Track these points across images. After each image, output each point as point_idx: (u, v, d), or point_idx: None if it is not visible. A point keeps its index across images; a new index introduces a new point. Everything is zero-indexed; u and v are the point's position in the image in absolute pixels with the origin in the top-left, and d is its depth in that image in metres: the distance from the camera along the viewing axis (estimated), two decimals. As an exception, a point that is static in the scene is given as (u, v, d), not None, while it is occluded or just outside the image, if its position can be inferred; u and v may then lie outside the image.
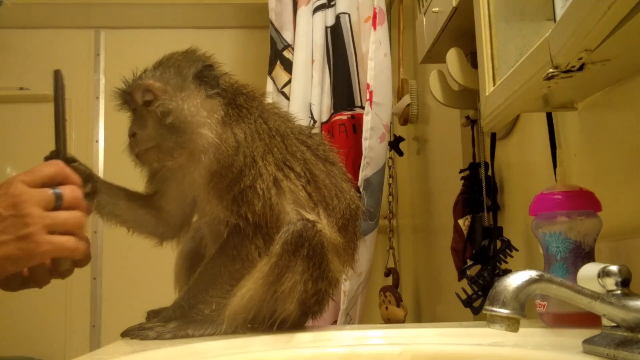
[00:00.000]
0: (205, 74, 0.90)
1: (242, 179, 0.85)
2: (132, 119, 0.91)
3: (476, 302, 1.23)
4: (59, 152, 0.86)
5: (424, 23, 1.43)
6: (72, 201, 0.79)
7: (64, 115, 0.88)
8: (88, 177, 0.91)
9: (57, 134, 0.87)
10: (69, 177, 0.81)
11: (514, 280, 0.52)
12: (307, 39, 1.83)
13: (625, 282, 0.56)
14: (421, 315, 2.03)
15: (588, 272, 0.59)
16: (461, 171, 1.38)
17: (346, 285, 1.58)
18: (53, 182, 0.79)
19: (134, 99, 0.90)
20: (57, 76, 0.89)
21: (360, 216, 0.96)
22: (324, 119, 1.80)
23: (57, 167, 0.81)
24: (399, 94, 2.02)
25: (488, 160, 1.26)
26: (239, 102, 0.91)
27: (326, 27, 1.85)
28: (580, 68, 0.62)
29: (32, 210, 0.75)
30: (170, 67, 0.90)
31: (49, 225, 0.76)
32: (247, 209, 0.85)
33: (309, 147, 0.93)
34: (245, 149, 0.86)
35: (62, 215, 0.78)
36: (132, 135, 0.89)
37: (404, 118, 1.97)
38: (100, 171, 2.38)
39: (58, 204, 0.78)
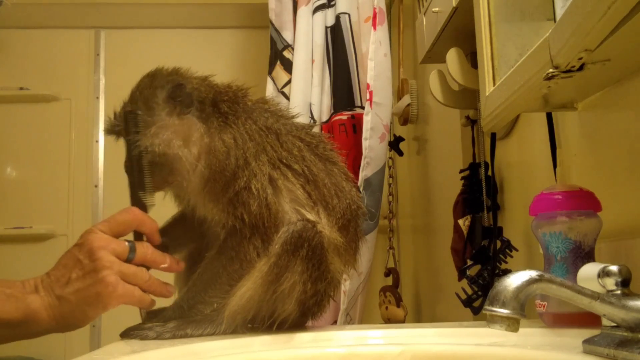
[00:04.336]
0: (177, 94, 0.88)
1: (236, 181, 0.85)
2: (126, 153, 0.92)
3: (476, 302, 1.23)
4: (138, 202, 0.89)
5: (424, 23, 1.43)
6: (143, 257, 0.85)
7: (141, 158, 0.88)
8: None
9: (130, 181, 0.89)
10: (145, 223, 0.87)
11: (514, 280, 0.52)
12: (307, 39, 1.83)
13: (625, 282, 0.56)
14: (421, 315, 2.03)
15: (588, 272, 0.59)
16: (461, 171, 1.38)
17: (346, 285, 1.58)
18: (129, 229, 0.86)
19: (122, 136, 0.91)
20: (128, 116, 0.89)
21: (361, 216, 0.95)
22: (324, 119, 1.80)
23: (132, 214, 0.86)
24: (399, 94, 2.02)
25: (488, 160, 1.26)
26: (223, 110, 0.89)
27: (326, 27, 1.85)
28: (580, 68, 0.62)
29: (106, 255, 0.81)
30: (140, 99, 0.89)
31: (121, 272, 0.82)
32: (243, 210, 0.85)
33: (307, 144, 0.92)
34: (236, 151, 0.86)
35: (133, 268, 0.83)
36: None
37: (404, 118, 1.97)
38: (100, 171, 2.38)
39: (130, 257, 0.84)
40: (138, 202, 0.88)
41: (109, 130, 0.91)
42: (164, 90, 0.88)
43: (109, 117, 0.92)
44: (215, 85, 0.93)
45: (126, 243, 0.84)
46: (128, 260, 0.83)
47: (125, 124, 0.88)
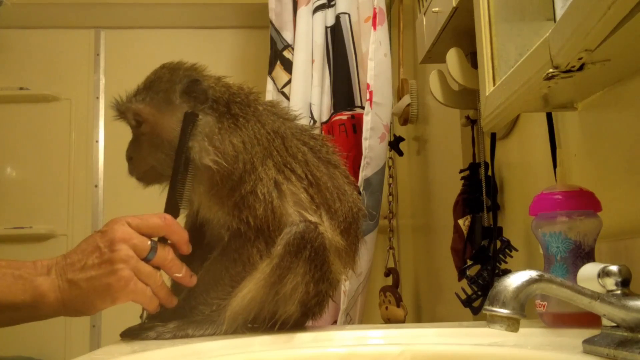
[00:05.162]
0: (193, 89, 0.88)
1: (243, 185, 0.85)
2: (130, 140, 0.91)
3: (476, 302, 1.23)
4: (173, 206, 0.87)
5: (424, 23, 1.43)
6: (162, 261, 0.83)
7: (188, 163, 0.86)
8: None
9: (173, 183, 0.87)
10: (175, 232, 0.85)
11: (514, 280, 0.52)
12: (307, 39, 1.83)
13: (625, 282, 0.56)
14: (421, 315, 2.03)
15: (588, 272, 0.59)
16: (461, 171, 1.39)
17: (346, 286, 1.58)
18: (156, 234, 0.84)
19: (127, 119, 0.90)
20: (188, 118, 0.86)
21: (362, 219, 0.95)
22: (324, 119, 1.80)
23: (164, 221, 0.84)
24: (399, 94, 2.02)
25: (488, 160, 1.26)
26: (234, 112, 0.88)
27: (326, 27, 1.85)
28: (580, 68, 0.62)
29: (125, 249, 0.80)
30: (158, 87, 0.89)
31: (137, 268, 0.80)
32: (248, 214, 0.84)
33: (311, 148, 0.92)
34: (245, 156, 0.85)
35: (148, 268, 0.82)
36: (130, 159, 0.90)
37: (404, 118, 1.97)
38: (100, 171, 2.38)
39: (149, 257, 0.82)
40: (173, 205, 0.86)
41: (117, 107, 0.90)
42: (181, 84, 0.88)
43: (119, 96, 0.91)
44: (229, 86, 0.92)
45: (149, 242, 0.82)
46: (147, 260, 0.82)
47: (184, 125, 0.86)
